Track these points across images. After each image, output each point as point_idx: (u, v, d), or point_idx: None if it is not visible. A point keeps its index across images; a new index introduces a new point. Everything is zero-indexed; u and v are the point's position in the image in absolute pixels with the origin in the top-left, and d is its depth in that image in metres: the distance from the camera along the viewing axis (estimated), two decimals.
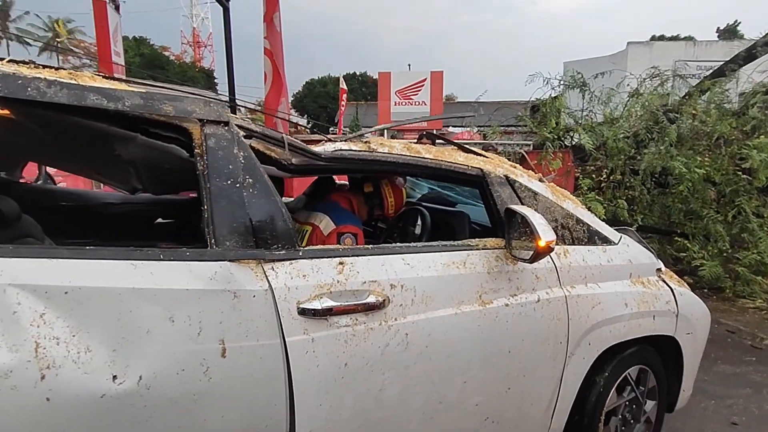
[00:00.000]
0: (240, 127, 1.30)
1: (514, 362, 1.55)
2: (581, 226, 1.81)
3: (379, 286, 1.27)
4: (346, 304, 1.20)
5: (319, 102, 27.47)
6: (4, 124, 1.42)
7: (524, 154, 7.78)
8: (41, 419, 0.92)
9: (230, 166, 1.19)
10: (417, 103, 19.28)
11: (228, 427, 1.11)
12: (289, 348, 1.12)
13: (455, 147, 1.77)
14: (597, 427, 1.82)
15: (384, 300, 1.26)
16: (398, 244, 1.39)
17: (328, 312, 1.17)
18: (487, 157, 1.77)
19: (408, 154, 1.55)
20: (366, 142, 1.54)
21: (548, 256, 1.65)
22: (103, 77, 1.27)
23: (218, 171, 1.17)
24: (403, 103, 19.35)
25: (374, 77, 26.41)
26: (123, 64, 7.23)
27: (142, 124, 1.24)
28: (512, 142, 8.54)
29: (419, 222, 1.90)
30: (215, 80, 29.44)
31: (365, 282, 1.25)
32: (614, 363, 1.83)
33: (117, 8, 6.81)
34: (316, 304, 1.16)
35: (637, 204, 6.37)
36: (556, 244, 1.67)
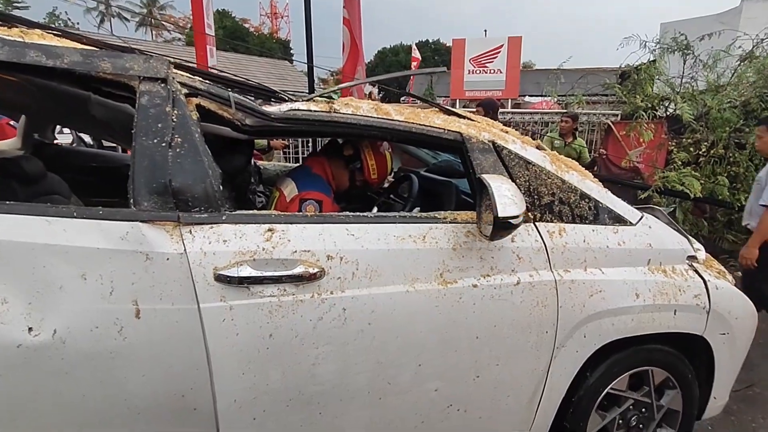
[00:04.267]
0: (183, 84, 1.25)
1: (484, 349, 1.40)
2: (586, 202, 1.57)
3: (312, 257, 1.18)
4: (270, 273, 1.13)
5: (391, 71, 27.16)
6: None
7: (610, 124, 7.11)
8: None
9: (159, 125, 1.15)
10: (492, 71, 18.29)
11: (150, 387, 1.11)
12: (204, 314, 1.08)
13: (438, 109, 1.59)
14: (592, 408, 1.62)
15: (318, 271, 1.18)
16: (345, 213, 1.28)
17: (247, 280, 1.11)
18: (473, 120, 1.57)
19: (374, 115, 1.42)
20: (329, 101, 1.43)
21: (538, 235, 1.47)
22: (54, 34, 1.27)
23: (145, 129, 1.14)
24: (478, 72, 18.46)
25: (448, 44, 25.51)
26: (213, 35, 7.59)
27: (93, 83, 1.23)
28: (597, 111, 7.81)
29: (408, 191, 1.76)
30: (291, 51, 30.13)
31: (296, 251, 1.17)
32: (614, 362, 1.61)
33: None
34: (234, 272, 1.10)
35: (741, 182, 5.61)
36: (541, 220, 1.48)
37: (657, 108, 6.17)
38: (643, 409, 1.73)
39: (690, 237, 1.88)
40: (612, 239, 1.57)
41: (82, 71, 1.15)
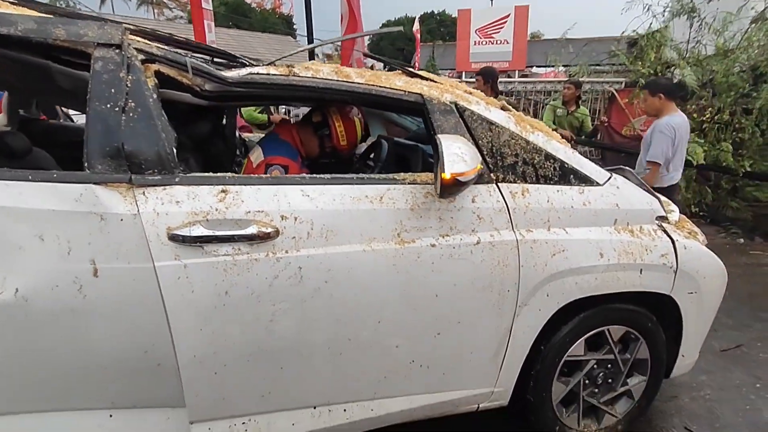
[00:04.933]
0: (140, 50, 1.26)
1: (444, 307, 1.43)
2: (551, 163, 1.57)
3: (266, 217, 1.21)
4: (223, 233, 1.17)
5: (396, 45, 26.61)
6: None
7: (614, 92, 6.97)
8: None
9: (112, 90, 1.17)
10: (499, 42, 17.84)
11: (114, 343, 1.17)
12: (159, 273, 1.13)
13: (401, 72, 1.59)
14: (552, 378, 1.67)
15: (272, 231, 1.21)
16: (302, 175, 1.30)
17: (200, 239, 1.15)
18: (436, 82, 1.57)
19: (334, 78, 1.42)
20: (289, 65, 1.43)
21: (500, 195, 1.48)
22: (10, 2, 1.28)
23: (99, 95, 1.16)
24: (484, 42, 18.02)
25: (454, 15, 24.86)
26: (210, 9, 7.51)
27: (53, 52, 1.25)
28: (601, 80, 7.64)
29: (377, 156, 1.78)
30: (294, 26, 29.67)
31: (250, 212, 1.20)
32: (581, 319, 1.63)
33: None
34: (187, 231, 1.14)
35: (747, 148, 5.51)
36: (504, 181, 1.49)
37: (663, 74, 6.01)
38: (610, 365, 1.78)
39: (661, 197, 1.87)
40: (577, 199, 1.58)
41: (37, 39, 1.17)
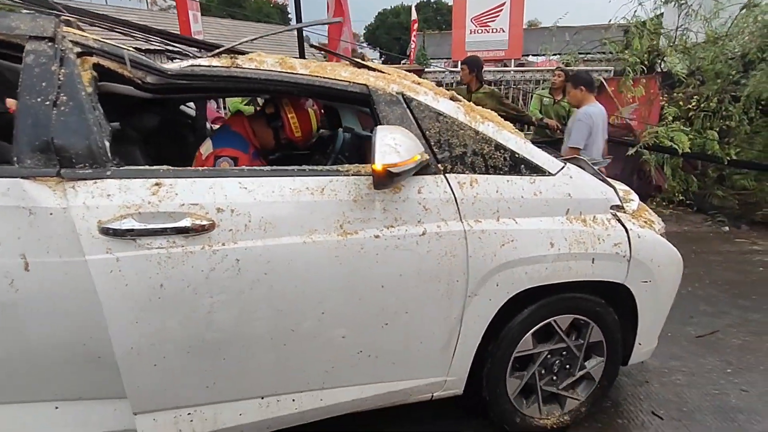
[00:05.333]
0: (76, 43, 1.25)
1: (390, 298, 1.44)
2: (502, 153, 1.57)
3: (201, 210, 1.22)
4: (156, 226, 1.17)
5: (392, 34, 26.39)
6: None
7: (602, 80, 6.91)
8: None
9: (43, 83, 1.17)
10: (495, 30, 17.61)
11: (53, 337, 1.18)
12: (91, 266, 1.13)
13: (348, 62, 1.58)
14: (504, 375, 1.68)
15: (207, 224, 1.21)
16: (240, 168, 1.30)
17: (132, 233, 1.15)
18: (383, 73, 1.56)
19: (277, 70, 1.41)
20: (232, 57, 1.42)
21: (447, 186, 1.48)
22: None
23: (29, 88, 1.16)
24: (480, 31, 17.78)
25: (450, 4, 24.63)
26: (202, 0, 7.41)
27: None
28: (589, 68, 7.57)
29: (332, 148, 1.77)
30: (289, 16, 29.41)
31: (183, 204, 1.20)
32: (532, 309, 1.64)
33: None
34: (118, 224, 1.14)
35: (735, 136, 5.48)
36: (452, 171, 1.49)
37: (652, 62, 5.96)
38: (565, 353, 1.79)
39: (617, 186, 1.87)
40: (528, 189, 1.58)
41: None
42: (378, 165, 1.19)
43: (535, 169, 1.61)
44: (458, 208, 1.49)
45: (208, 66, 1.36)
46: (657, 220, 1.86)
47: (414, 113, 1.49)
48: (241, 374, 1.37)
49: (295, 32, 6.91)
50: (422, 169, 1.46)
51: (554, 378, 1.83)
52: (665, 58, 6.10)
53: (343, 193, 1.36)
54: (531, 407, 1.84)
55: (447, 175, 1.50)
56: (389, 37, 26.33)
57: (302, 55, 6.78)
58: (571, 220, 1.63)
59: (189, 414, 1.33)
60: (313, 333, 1.39)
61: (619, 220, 1.71)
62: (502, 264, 1.53)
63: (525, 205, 1.57)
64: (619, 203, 1.74)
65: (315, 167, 1.38)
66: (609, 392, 2.03)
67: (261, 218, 1.27)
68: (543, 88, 6.54)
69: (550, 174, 1.62)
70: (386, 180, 1.25)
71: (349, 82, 1.46)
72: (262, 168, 1.32)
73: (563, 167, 1.66)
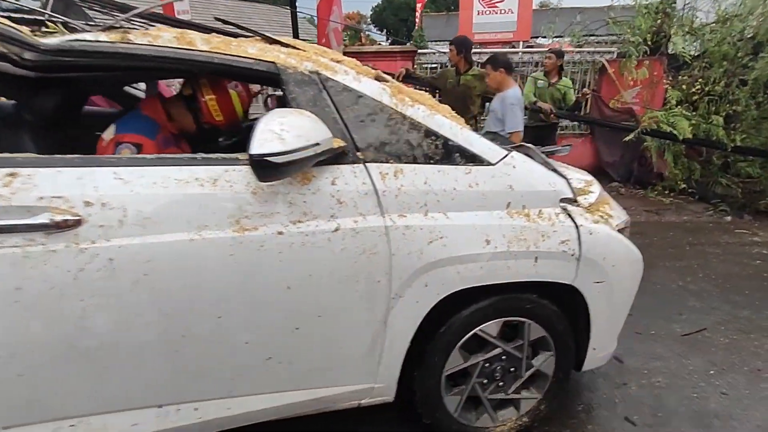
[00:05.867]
0: None
1: (300, 300, 1.31)
2: (432, 140, 1.40)
3: (66, 203, 1.08)
4: (7, 222, 1.04)
5: (400, 15, 25.75)
6: None
7: (605, 62, 6.60)
8: None
9: None
10: (503, 11, 17.11)
11: None
12: None
13: (260, 38, 1.41)
14: (440, 396, 1.55)
15: (73, 220, 1.08)
16: (118, 156, 1.16)
17: None
18: (297, 49, 1.39)
19: (172, 46, 1.26)
20: (125, 31, 1.27)
21: (367, 177, 1.33)
22: None
23: None
24: (487, 12, 17.28)
25: None
26: None
27: None
28: (590, 49, 7.24)
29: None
30: None
31: (43, 198, 1.07)
32: (452, 322, 1.50)
33: None
34: None
35: (741, 121, 5.20)
36: (374, 160, 1.34)
37: (652, 43, 5.65)
38: (504, 357, 1.65)
39: (577, 176, 1.70)
40: (462, 181, 1.42)
41: None
42: (253, 153, 1.03)
43: (472, 158, 1.44)
44: (379, 201, 1.33)
45: (91, 41, 1.21)
46: (618, 215, 1.69)
47: (330, 94, 1.33)
48: (131, 382, 1.25)
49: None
50: (338, 158, 1.31)
51: (500, 384, 1.69)
52: (674, 38, 5.78)
53: (241, 184, 1.21)
54: (482, 418, 1.71)
55: (367, 164, 1.34)
56: (396, 18, 25.72)
57: (296, 36, 6.59)
58: (512, 214, 1.47)
59: (72, 426, 1.22)
60: (211, 339, 1.27)
61: (569, 215, 1.54)
62: (430, 263, 1.38)
63: (458, 198, 1.41)
64: (571, 196, 1.57)
65: (209, 155, 1.24)
66: (565, 387, 1.87)
67: (138, 212, 1.13)
68: (540, 71, 6.25)
69: (489, 163, 1.46)
70: (270, 172, 1.09)
71: (255, 59, 1.30)
72: (144, 156, 1.18)
73: (505, 156, 1.49)
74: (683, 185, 5.60)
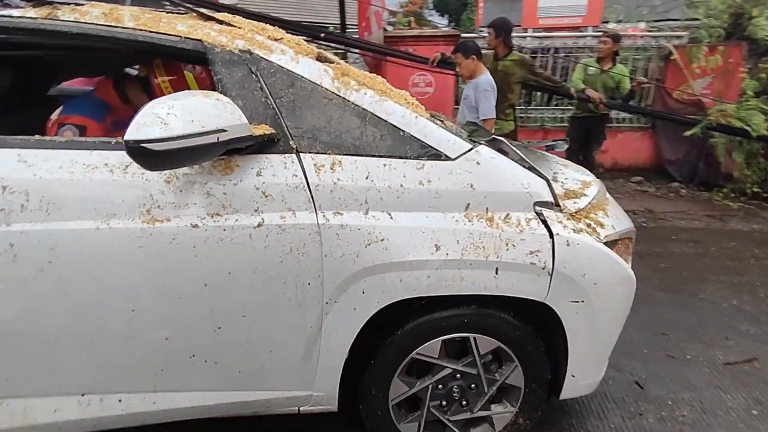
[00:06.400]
0: None
1: (219, 299, 1.22)
2: (380, 129, 1.25)
3: None
4: None
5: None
6: None
7: (672, 48, 5.92)
8: None
9: None
10: None
11: None
12: None
13: (197, 15, 1.31)
14: (388, 410, 1.41)
15: None
16: (23, 137, 1.11)
17: None
18: (231, 26, 1.27)
19: (95, 23, 1.19)
20: (54, 6, 1.22)
21: (299, 168, 1.21)
22: None
23: None
24: None
25: None
26: None
27: None
28: (656, 34, 6.53)
29: None
30: None
31: None
32: (417, 323, 1.34)
33: None
34: None
35: None
36: (309, 150, 1.21)
37: (728, 27, 4.96)
38: (458, 375, 1.46)
39: (569, 176, 1.46)
40: (411, 177, 1.25)
41: None
42: (127, 139, 0.93)
43: (426, 152, 1.27)
44: (311, 196, 1.20)
45: (11, 17, 1.17)
46: (613, 224, 1.43)
47: (261, 76, 1.20)
48: (48, 369, 1.22)
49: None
50: (266, 147, 1.19)
51: (463, 404, 1.51)
52: (753, 21, 5.04)
53: (153, 172, 1.13)
54: None
55: (301, 154, 1.21)
56: (458, 3, 24.82)
57: (343, 23, 6.48)
58: (471, 217, 1.28)
59: None
60: (127, 332, 1.21)
61: (544, 221, 1.32)
62: (368, 267, 1.23)
63: (405, 197, 1.24)
64: (549, 199, 1.34)
65: (120, 140, 1.16)
66: (544, 396, 1.61)
67: (42, 198, 1.08)
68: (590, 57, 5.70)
69: (447, 158, 1.28)
70: (150, 160, 0.98)
71: (181, 37, 1.20)
72: (52, 138, 1.13)
73: (468, 151, 1.30)
74: (756, 189, 4.92)
